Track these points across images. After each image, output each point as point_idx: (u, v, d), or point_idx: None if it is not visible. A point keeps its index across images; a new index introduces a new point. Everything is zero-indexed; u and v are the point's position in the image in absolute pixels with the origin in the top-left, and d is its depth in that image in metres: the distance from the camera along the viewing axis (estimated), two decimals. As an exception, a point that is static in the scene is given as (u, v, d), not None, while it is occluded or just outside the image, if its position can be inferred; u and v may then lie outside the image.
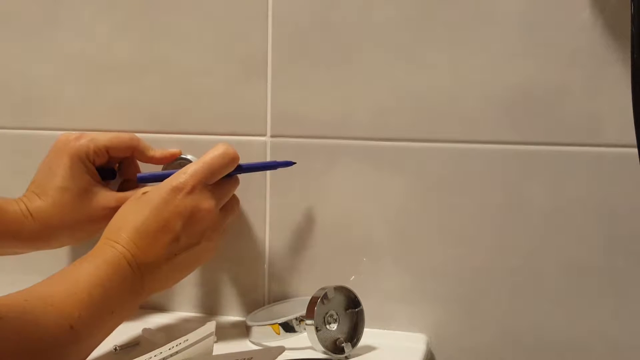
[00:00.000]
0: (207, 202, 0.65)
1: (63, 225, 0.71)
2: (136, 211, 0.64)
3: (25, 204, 0.70)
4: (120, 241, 0.62)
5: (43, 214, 0.70)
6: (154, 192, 0.64)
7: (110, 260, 0.61)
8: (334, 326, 0.67)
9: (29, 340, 0.52)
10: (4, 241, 0.69)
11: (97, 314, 0.58)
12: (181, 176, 0.65)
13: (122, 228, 0.63)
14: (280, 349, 0.62)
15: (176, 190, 0.64)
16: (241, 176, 0.71)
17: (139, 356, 0.60)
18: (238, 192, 0.71)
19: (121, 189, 0.76)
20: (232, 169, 0.68)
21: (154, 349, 0.61)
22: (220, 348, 0.69)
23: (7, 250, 0.71)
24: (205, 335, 0.66)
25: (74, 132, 0.75)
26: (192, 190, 0.64)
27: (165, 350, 0.64)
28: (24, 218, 0.70)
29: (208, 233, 0.65)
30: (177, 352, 0.63)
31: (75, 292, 0.57)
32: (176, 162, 0.77)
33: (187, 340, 0.65)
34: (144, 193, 0.66)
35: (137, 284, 0.62)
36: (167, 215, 0.63)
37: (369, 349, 0.69)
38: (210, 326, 0.67)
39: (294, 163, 0.72)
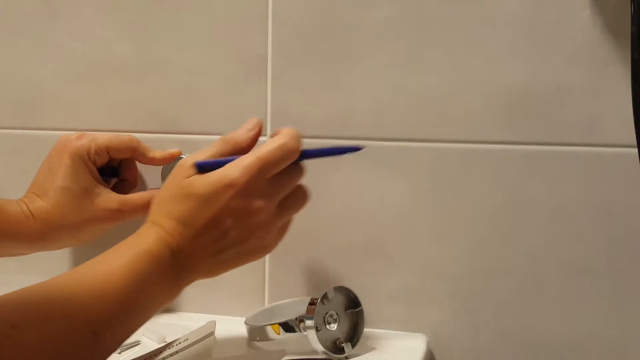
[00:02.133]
0: (260, 200, 0.59)
1: (64, 226, 0.71)
2: (183, 202, 0.59)
3: (26, 205, 0.70)
4: (167, 228, 0.58)
5: (44, 215, 0.70)
6: (203, 184, 0.58)
7: (153, 249, 0.57)
8: (334, 326, 0.67)
9: (43, 356, 0.47)
10: (5, 241, 0.69)
11: (126, 316, 0.54)
12: (234, 170, 0.58)
13: (169, 215, 0.59)
14: (282, 353, 0.62)
15: (228, 186, 0.58)
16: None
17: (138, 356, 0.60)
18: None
19: (117, 189, 0.76)
20: (292, 161, 0.61)
21: (154, 349, 0.62)
22: (220, 348, 0.69)
23: (8, 250, 0.71)
24: (205, 335, 0.66)
25: (74, 132, 0.75)
26: (244, 187, 0.58)
27: (165, 349, 0.64)
28: (25, 218, 0.70)
29: (260, 232, 0.60)
30: (177, 352, 0.63)
31: (105, 290, 0.53)
32: (176, 162, 0.77)
33: (187, 339, 0.65)
34: (188, 179, 0.59)
35: (177, 276, 0.58)
36: (216, 211, 0.58)
37: (369, 349, 0.69)
38: (210, 326, 0.67)
39: (362, 148, 0.63)
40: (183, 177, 0.59)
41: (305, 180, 0.74)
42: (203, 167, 0.59)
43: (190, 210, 0.58)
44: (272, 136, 0.62)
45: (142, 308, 0.56)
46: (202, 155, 0.60)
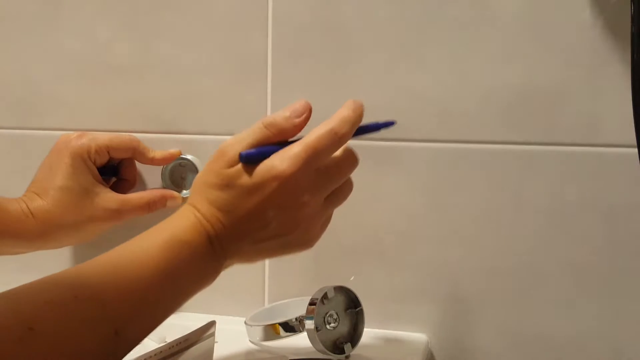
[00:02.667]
0: (307, 194, 0.55)
1: (64, 225, 0.71)
2: (224, 190, 0.55)
3: (26, 204, 0.70)
4: (206, 213, 0.55)
5: (44, 214, 0.70)
6: (247, 177, 0.55)
7: (189, 237, 0.54)
8: (334, 326, 0.67)
9: (61, 356, 0.45)
10: (5, 240, 0.69)
11: (153, 310, 0.52)
12: (281, 162, 0.54)
13: (209, 202, 0.56)
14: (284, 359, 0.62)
15: (273, 179, 0.54)
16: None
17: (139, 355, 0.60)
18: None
19: (116, 189, 0.76)
20: (340, 147, 0.57)
21: (154, 348, 0.61)
22: (221, 348, 0.69)
23: (7, 249, 0.71)
24: (205, 335, 0.66)
25: (74, 131, 0.75)
26: (291, 180, 0.54)
27: (165, 349, 0.64)
28: (25, 217, 0.70)
29: (304, 225, 0.57)
30: (177, 352, 0.63)
31: (132, 284, 0.50)
32: (176, 162, 0.77)
33: (187, 339, 0.65)
34: (230, 169, 0.56)
35: (213, 263, 0.56)
36: (258, 202, 0.55)
37: (369, 349, 0.69)
38: (210, 325, 0.67)
39: (395, 123, 0.61)
40: (225, 166, 0.56)
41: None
42: (248, 159, 0.55)
43: (232, 199, 0.55)
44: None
45: (171, 301, 0.54)
46: (243, 143, 0.56)
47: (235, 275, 0.72)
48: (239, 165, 0.55)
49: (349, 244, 0.74)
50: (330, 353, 0.65)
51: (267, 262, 0.77)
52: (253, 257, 0.58)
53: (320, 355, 0.66)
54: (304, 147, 0.55)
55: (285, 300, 0.76)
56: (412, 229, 0.73)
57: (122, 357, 0.49)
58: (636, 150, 0.62)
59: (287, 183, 0.54)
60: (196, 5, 0.76)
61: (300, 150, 0.55)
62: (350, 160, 0.58)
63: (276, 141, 0.57)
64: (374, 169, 0.73)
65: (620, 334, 0.69)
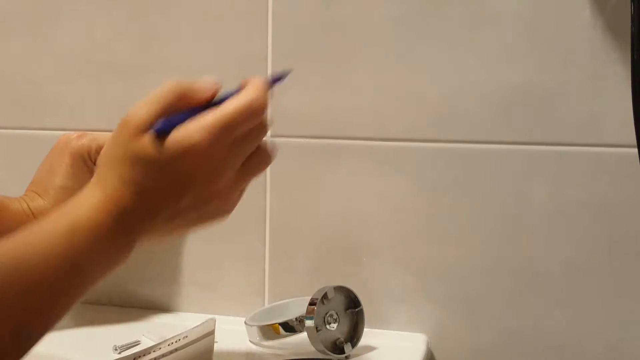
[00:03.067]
0: (222, 163, 0.53)
1: (63, 225, 0.70)
2: (134, 165, 0.51)
3: (26, 203, 0.70)
4: (114, 190, 0.51)
5: (44, 214, 0.70)
6: (159, 148, 0.51)
7: (93, 215, 0.50)
8: (334, 326, 0.67)
9: None
10: None
11: (57, 303, 0.48)
12: (195, 133, 0.51)
13: (117, 177, 0.52)
14: None
15: (186, 150, 0.51)
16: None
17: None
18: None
19: None
20: (259, 121, 0.54)
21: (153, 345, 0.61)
22: (220, 348, 0.69)
23: (7, 248, 0.70)
24: (205, 333, 0.66)
25: (75, 131, 0.75)
26: (205, 150, 0.51)
27: (164, 346, 0.63)
28: (26, 217, 0.69)
29: (219, 197, 0.54)
30: (176, 349, 0.63)
31: (31, 279, 0.46)
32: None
33: (186, 337, 0.65)
34: (139, 141, 0.52)
35: (122, 241, 0.52)
36: (172, 174, 0.52)
37: (369, 349, 0.69)
38: (210, 324, 0.67)
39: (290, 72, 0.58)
40: (131, 137, 0.52)
41: (305, 180, 0.75)
42: (161, 132, 0.51)
43: (143, 173, 0.51)
44: (240, 87, 0.55)
45: (78, 289, 0.50)
46: (147, 110, 0.52)
47: (235, 275, 0.72)
48: (148, 136, 0.51)
49: (349, 244, 0.74)
50: (330, 353, 0.65)
51: (267, 262, 0.77)
52: (167, 233, 0.55)
53: (320, 355, 0.66)
54: (220, 117, 0.52)
55: (285, 300, 0.76)
56: (412, 229, 0.73)
57: (22, 356, 0.46)
58: (636, 150, 0.62)
59: (201, 154, 0.51)
60: (196, 6, 0.76)
61: (215, 120, 0.51)
62: (261, 127, 0.55)
63: (185, 108, 0.53)
64: (374, 169, 0.73)
65: (620, 334, 0.69)
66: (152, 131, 0.51)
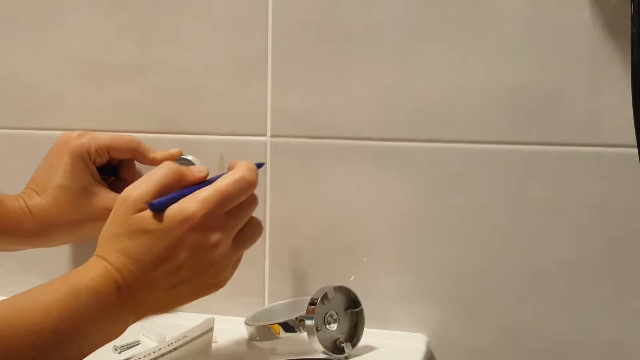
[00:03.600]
0: (217, 235, 0.57)
1: (62, 224, 0.71)
2: (134, 237, 0.55)
3: (24, 201, 0.70)
4: (115, 263, 0.55)
5: (42, 212, 0.70)
6: (157, 220, 0.55)
7: (96, 285, 0.53)
8: (334, 326, 0.67)
9: None
10: (4, 237, 0.69)
11: (56, 356, 0.50)
12: (191, 204, 0.56)
13: (118, 250, 0.55)
14: None
15: (184, 221, 0.55)
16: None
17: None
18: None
19: (115, 188, 0.76)
20: (249, 194, 0.59)
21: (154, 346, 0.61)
22: (220, 348, 0.69)
23: (5, 246, 0.71)
24: (203, 332, 0.66)
25: (75, 131, 0.75)
26: (200, 222, 0.56)
27: (164, 346, 0.64)
28: (23, 215, 0.70)
29: (215, 267, 0.58)
30: (175, 349, 0.63)
31: (32, 328, 0.48)
32: (177, 162, 0.76)
33: (185, 336, 0.65)
34: (138, 214, 0.56)
35: (122, 314, 0.55)
36: (170, 245, 0.55)
37: (369, 349, 0.69)
38: (208, 323, 0.67)
39: (263, 164, 0.64)
40: (130, 212, 0.56)
41: (305, 180, 0.75)
42: (159, 207, 0.56)
43: (142, 245, 0.55)
44: (228, 169, 0.60)
45: (75, 349, 0.52)
46: (145, 187, 0.57)
47: (236, 275, 0.72)
48: (147, 210, 0.56)
49: (349, 243, 0.74)
50: (330, 353, 0.65)
51: (267, 262, 0.77)
52: (166, 305, 0.58)
53: (320, 355, 0.66)
54: (215, 191, 0.57)
55: (285, 300, 0.76)
56: (412, 229, 0.73)
57: None
58: (636, 150, 0.62)
59: (197, 225, 0.55)
60: (196, 5, 0.76)
61: (210, 193, 0.56)
62: (251, 199, 0.60)
63: (178, 188, 0.58)
64: (374, 169, 0.73)
65: (620, 334, 0.69)
66: (149, 206, 0.56)
